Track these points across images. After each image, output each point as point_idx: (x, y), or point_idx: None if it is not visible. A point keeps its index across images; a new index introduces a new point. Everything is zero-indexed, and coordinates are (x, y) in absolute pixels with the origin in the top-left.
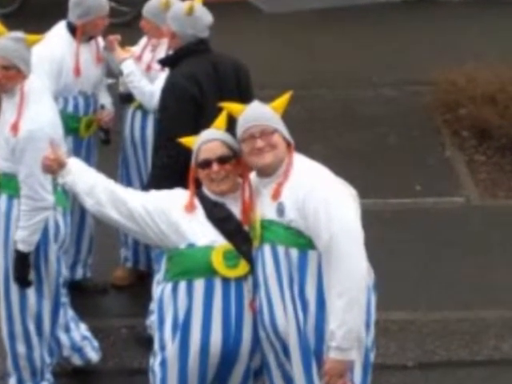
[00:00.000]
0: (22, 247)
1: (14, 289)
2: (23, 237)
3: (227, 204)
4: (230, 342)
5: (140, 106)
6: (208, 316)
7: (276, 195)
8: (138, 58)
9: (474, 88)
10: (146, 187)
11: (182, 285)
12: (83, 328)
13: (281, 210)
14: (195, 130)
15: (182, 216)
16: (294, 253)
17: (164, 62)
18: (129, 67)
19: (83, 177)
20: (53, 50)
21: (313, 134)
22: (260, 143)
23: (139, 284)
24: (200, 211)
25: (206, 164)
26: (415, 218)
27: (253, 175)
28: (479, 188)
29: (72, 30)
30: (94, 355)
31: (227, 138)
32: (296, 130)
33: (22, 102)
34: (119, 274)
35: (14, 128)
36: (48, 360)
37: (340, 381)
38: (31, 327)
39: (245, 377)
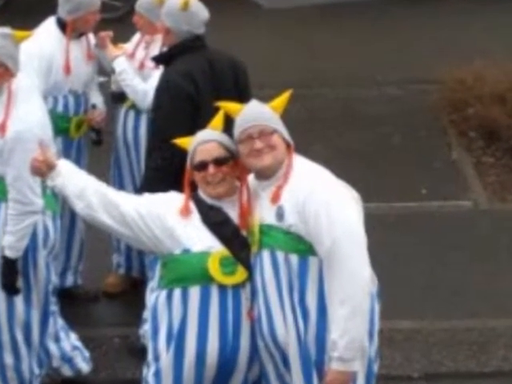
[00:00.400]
0: (9, 253)
1: (2, 296)
2: (11, 242)
3: (224, 208)
4: (227, 350)
5: (133, 106)
6: (204, 324)
7: (275, 198)
8: (131, 56)
9: (482, 87)
10: (139, 190)
11: (177, 292)
12: (73, 337)
13: (280, 214)
14: (191, 131)
15: (177, 220)
16: (294, 259)
17: (158, 60)
18: (121, 65)
19: (73, 179)
20: (42, 47)
21: (313, 135)
22: (259, 144)
23: (132, 291)
24: (196, 215)
25: (202, 166)
26: (420, 222)
27: (251, 178)
28: (487, 191)
29: (62, 25)
30: (84, 366)
31: (224, 138)
32: (296, 130)
33: (10, 102)
34: (111, 281)
35: (2, 128)
36: (37, 371)
37: None
38: (19, 337)
39: None
